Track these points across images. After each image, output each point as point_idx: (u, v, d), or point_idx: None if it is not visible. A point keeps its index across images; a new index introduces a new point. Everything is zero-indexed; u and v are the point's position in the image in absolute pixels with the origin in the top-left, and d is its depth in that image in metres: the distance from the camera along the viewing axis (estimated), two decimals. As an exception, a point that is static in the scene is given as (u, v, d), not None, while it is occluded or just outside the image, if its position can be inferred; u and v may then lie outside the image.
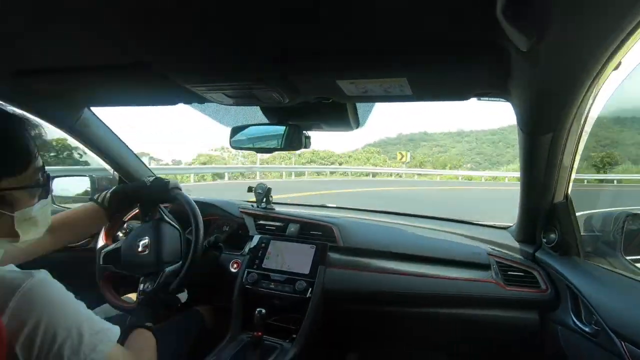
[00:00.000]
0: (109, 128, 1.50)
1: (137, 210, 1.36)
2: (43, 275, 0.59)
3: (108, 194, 1.09)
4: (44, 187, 0.65)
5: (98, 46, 0.80)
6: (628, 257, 0.98)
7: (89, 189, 1.71)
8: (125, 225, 1.40)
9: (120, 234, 1.39)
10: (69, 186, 1.77)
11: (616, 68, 0.65)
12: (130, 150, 1.64)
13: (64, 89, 1.10)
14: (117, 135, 1.55)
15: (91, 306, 0.65)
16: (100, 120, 1.44)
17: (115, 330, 0.65)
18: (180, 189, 1.21)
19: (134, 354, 0.73)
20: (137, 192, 1.17)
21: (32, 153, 0.62)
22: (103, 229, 1.33)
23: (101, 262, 1.25)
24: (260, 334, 1.08)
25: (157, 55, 0.81)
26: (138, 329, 0.87)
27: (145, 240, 1.17)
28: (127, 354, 0.69)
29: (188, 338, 1.17)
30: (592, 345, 0.91)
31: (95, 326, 0.61)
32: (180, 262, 1.18)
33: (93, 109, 1.38)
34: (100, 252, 1.27)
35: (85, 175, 1.74)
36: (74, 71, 0.94)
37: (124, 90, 1.08)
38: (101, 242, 1.32)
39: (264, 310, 1.06)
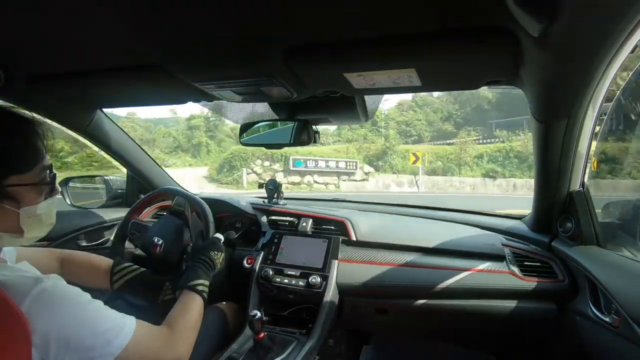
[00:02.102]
0: (123, 131, 1.52)
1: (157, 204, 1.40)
2: (53, 280, 0.60)
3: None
4: (50, 185, 0.67)
5: (108, 49, 0.82)
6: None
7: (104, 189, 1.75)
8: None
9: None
10: (85, 187, 1.82)
11: (632, 51, 0.63)
12: (147, 154, 1.68)
13: (76, 92, 1.13)
14: (132, 139, 1.58)
15: (111, 299, 0.66)
16: (114, 123, 1.47)
17: (131, 321, 0.66)
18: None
19: (165, 329, 0.74)
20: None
21: (40, 152, 0.64)
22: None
23: (127, 231, 1.30)
24: (262, 336, 1.07)
25: (166, 56, 0.82)
26: (185, 292, 0.87)
27: (160, 241, 1.20)
28: (154, 334, 0.70)
29: (209, 335, 1.19)
30: (612, 335, 0.90)
31: (110, 322, 0.62)
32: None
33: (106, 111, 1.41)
34: (128, 222, 1.30)
35: (99, 176, 1.79)
36: (85, 74, 0.96)
37: (134, 91, 1.09)
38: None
39: (259, 314, 1.05)
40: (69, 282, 0.63)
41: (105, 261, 1.03)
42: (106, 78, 0.97)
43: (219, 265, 1.02)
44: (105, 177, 1.76)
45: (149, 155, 1.69)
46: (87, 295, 0.64)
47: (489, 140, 24.23)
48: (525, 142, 19.71)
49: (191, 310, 0.82)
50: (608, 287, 0.89)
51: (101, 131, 1.41)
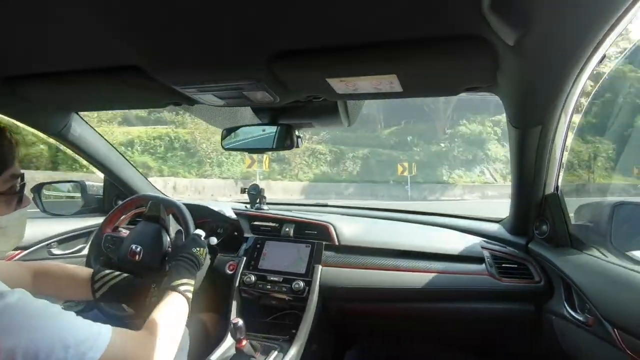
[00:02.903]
0: (100, 135, 1.48)
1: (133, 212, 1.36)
2: (18, 294, 0.56)
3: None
4: (18, 195, 0.63)
5: (84, 49, 0.79)
6: (617, 246, 0.99)
7: (80, 196, 1.69)
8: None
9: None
10: (59, 193, 1.76)
11: (601, 61, 0.66)
12: (127, 159, 1.63)
13: (49, 95, 1.09)
14: (111, 144, 1.54)
15: (85, 310, 0.63)
16: (92, 128, 1.42)
17: (105, 329, 0.62)
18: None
19: (144, 334, 0.69)
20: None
21: (7, 159, 0.61)
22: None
23: (102, 246, 1.24)
24: (243, 344, 1.05)
25: (145, 57, 0.80)
26: (169, 293, 0.82)
27: (139, 248, 1.16)
28: (132, 341, 0.66)
29: (189, 346, 1.15)
30: (586, 333, 0.93)
31: (83, 334, 0.59)
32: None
33: (83, 115, 1.36)
34: (101, 237, 1.25)
35: (76, 182, 1.72)
36: (59, 76, 0.92)
37: (111, 94, 1.06)
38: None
39: (241, 322, 1.02)
40: (46, 296, 0.60)
41: (84, 270, 0.98)
42: (82, 80, 0.93)
43: (202, 262, 0.98)
44: (82, 183, 1.70)
45: (127, 160, 1.65)
46: (57, 307, 0.60)
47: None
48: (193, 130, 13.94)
49: (173, 312, 0.79)
50: (581, 288, 0.93)
51: (76, 135, 1.36)
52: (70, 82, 0.96)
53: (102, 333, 0.61)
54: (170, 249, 1.17)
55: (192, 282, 0.89)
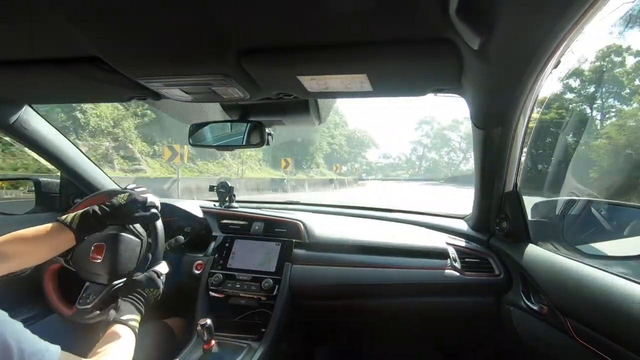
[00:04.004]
0: (57, 129, 1.39)
1: None
2: None
3: (78, 215, 0.93)
4: None
5: (39, 38, 0.73)
6: (569, 240, 1.06)
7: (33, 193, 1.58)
8: None
9: None
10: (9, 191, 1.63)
11: (556, 66, 0.70)
12: (86, 155, 1.54)
13: (1, 85, 1.01)
14: (68, 139, 1.45)
15: (37, 317, 0.59)
16: (47, 122, 1.33)
17: (54, 349, 0.58)
18: (158, 207, 1.05)
19: None
20: (112, 215, 0.97)
21: None
22: None
23: None
24: (210, 345, 1.04)
25: (106, 48, 0.75)
26: (115, 325, 0.80)
27: (102, 246, 1.09)
28: None
29: (156, 353, 1.11)
30: (540, 323, 0.99)
31: (28, 350, 0.54)
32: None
33: (37, 107, 1.27)
34: None
35: (29, 179, 1.61)
36: (12, 65, 0.85)
37: (69, 86, 0.99)
38: None
39: (209, 322, 1.01)
40: None
41: (57, 226, 0.92)
42: (35, 70, 0.87)
43: (152, 302, 0.95)
44: (36, 179, 1.59)
45: (86, 155, 1.56)
46: (4, 314, 0.56)
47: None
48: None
49: (121, 344, 0.76)
50: (536, 279, 0.99)
51: (30, 129, 1.27)
52: (21, 73, 0.89)
53: (50, 351, 0.58)
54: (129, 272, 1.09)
55: (139, 318, 0.87)
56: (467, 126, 38.60)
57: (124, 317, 0.82)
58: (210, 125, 1.21)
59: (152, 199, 1.02)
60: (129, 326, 0.81)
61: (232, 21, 0.63)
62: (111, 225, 1.04)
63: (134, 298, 0.90)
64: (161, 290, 0.97)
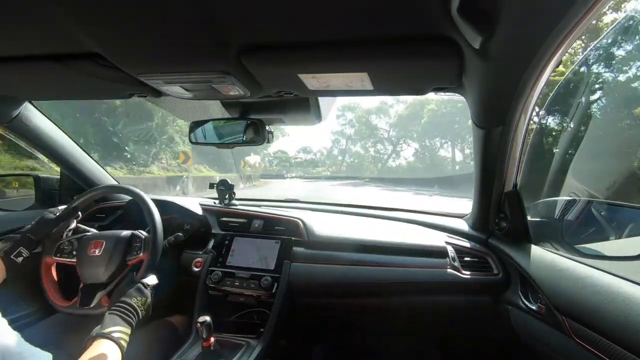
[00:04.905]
0: (57, 125, 1.39)
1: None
2: None
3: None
4: None
5: (39, 34, 0.73)
6: (568, 240, 1.07)
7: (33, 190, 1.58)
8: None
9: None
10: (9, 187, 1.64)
11: (558, 65, 0.70)
12: (84, 150, 1.54)
13: (1, 81, 1.00)
14: (67, 134, 1.45)
15: (37, 313, 0.59)
16: (48, 118, 1.33)
17: (44, 356, 0.59)
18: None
19: None
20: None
21: None
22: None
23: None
24: (209, 342, 1.03)
25: (107, 45, 0.75)
26: (98, 340, 0.76)
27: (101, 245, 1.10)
28: None
29: (159, 350, 1.11)
30: (538, 322, 0.99)
31: (17, 355, 0.55)
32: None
33: (37, 103, 1.27)
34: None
35: (29, 175, 1.61)
36: (12, 61, 0.85)
37: (69, 82, 0.99)
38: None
39: (208, 319, 1.01)
40: None
41: None
42: (36, 67, 0.87)
43: (142, 313, 0.91)
44: (36, 176, 1.59)
45: (85, 151, 1.56)
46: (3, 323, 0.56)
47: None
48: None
49: None
50: (534, 279, 0.99)
51: (30, 126, 1.27)
52: (22, 69, 0.89)
53: (40, 358, 0.58)
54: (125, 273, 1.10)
55: (128, 331, 0.83)
56: (397, 110, 30.59)
57: (107, 330, 0.79)
58: (211, 122, 1.21)
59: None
60: (113, 339, 0.77)
61: (233, 18, 0.63)
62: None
63: (121, 309, 0.87)
64: (149, 300, 0.94)
